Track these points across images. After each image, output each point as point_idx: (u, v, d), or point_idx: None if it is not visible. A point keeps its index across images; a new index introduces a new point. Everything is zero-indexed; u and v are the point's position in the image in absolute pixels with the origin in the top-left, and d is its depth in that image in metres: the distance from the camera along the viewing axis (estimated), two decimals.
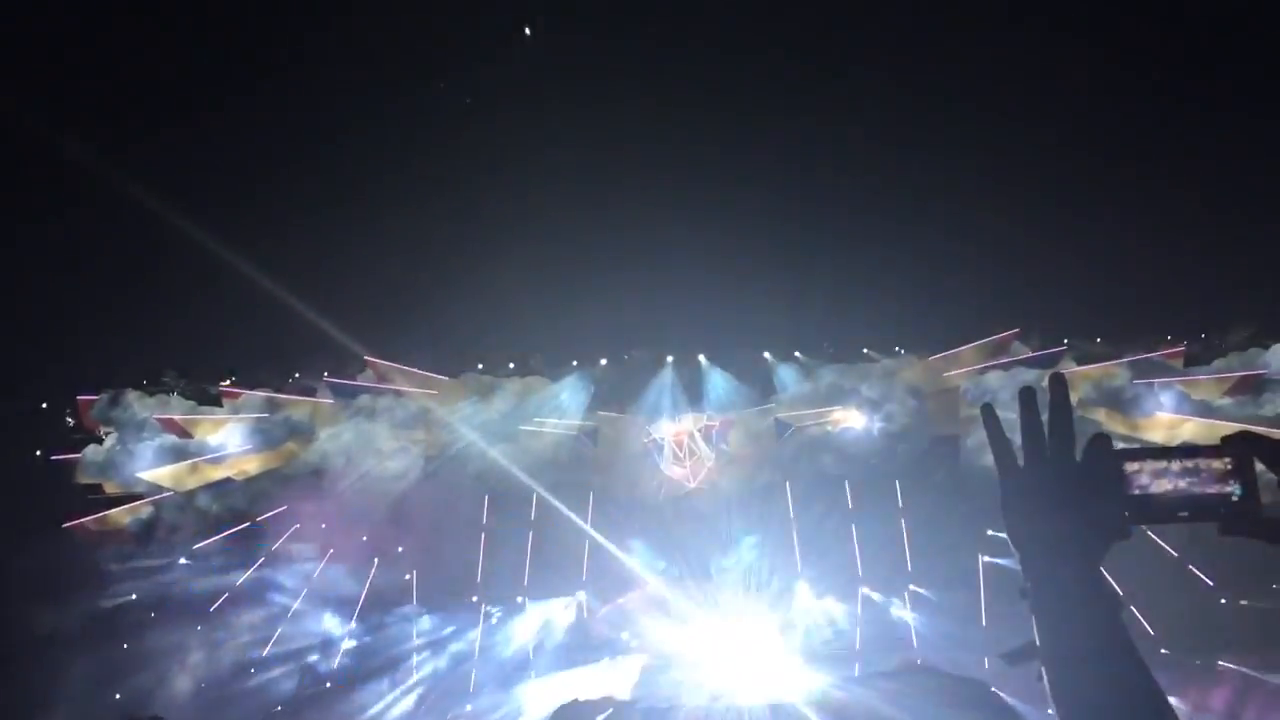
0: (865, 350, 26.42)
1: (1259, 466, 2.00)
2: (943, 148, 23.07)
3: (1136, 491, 1.98)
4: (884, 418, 25.32)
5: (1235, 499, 1.96)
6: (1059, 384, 2.15)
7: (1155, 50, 21.66)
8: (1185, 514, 1.98)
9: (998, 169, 22.90)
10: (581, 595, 26.30)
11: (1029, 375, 25.21)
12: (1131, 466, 1.99)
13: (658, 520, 26.29)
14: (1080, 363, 25.73)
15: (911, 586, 25.33)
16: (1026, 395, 2.13)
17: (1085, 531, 1.97)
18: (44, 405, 26.10)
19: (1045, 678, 1.93)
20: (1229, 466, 1.97)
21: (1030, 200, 23.62)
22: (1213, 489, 1.97)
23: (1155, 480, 1.98)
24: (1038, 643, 1.96)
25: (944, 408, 25.36)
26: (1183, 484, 1.97)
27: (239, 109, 22.70)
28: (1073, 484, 2.00)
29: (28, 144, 21.26)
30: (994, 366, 25.50)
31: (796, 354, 26.19)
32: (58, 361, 24.77)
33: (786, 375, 26.18)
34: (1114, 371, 25.37)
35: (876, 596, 25.60)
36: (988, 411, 2.18)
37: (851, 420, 25.62)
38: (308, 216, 23.76)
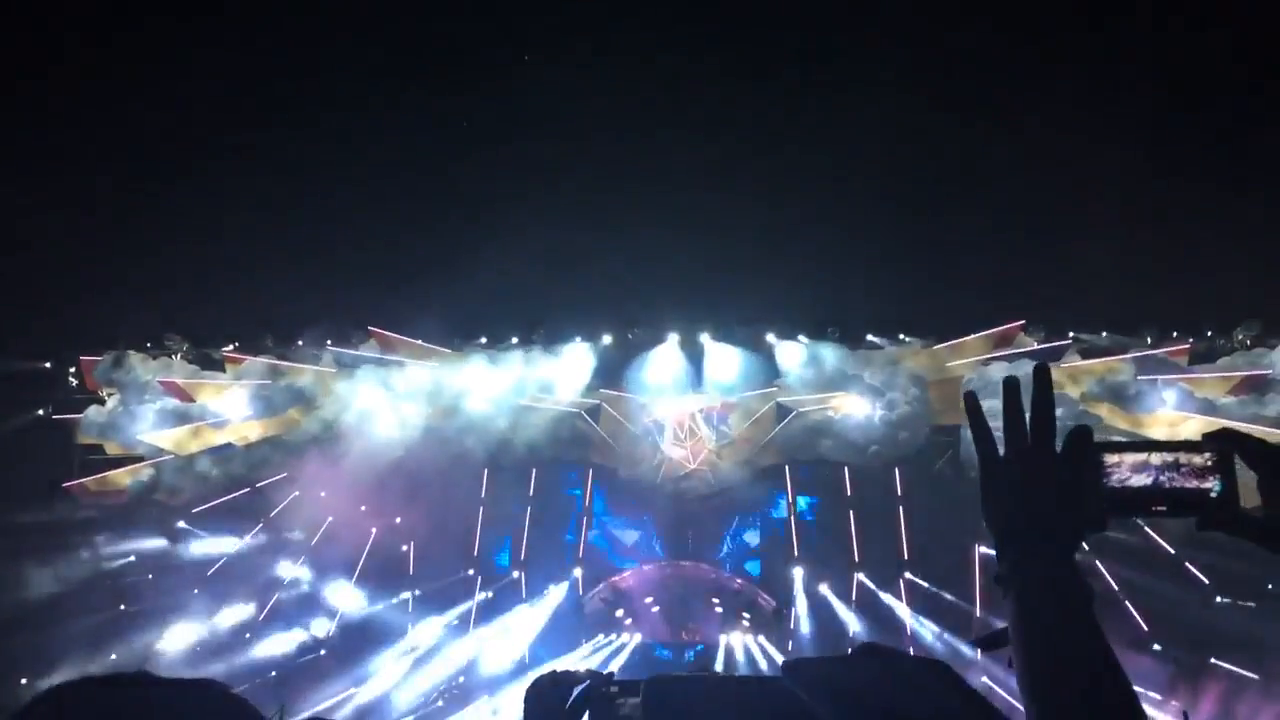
0: (869, 336, 26.36)
1: (1240, 465, 1.99)
2: (953, 135, 22.96)
3: (1115, 483, 1.98)
4: (886, 405, 25.30)
5: (1214, 495, 1.95)
6: (1043, 375, 2.13)
7: (1166, 43, 21.50)
8: (1163, 508, 1.97)
9: (1009, 159, 22.80)
10: (577, 572, 26.39)
11: (1031, 367, 25.12)
12: (1111, 459, 1.99)
13: (657, 500, 26.34)
14: (1085, 357, 25.68)
15: (907, 575, 25.40)
16: (1010, 384, 2.12)
17: (1061, 522, 1.97)
18: (47, 364, 26.11)
19: (1014, 665, 1.91)
20: (1209, 462, 1.96)
21: (1040, 192, 23.55)
22: (1192, 484, 1.96)
23: (1134, 473, 1.98)
24: (1010, 630, 1.95)
25: (946, 397, 25.34)
26: (1162, 478, 1.97)
27: (243, 68, 22.61)
28: (1051, 475, 2.00)
29: (30, 101, 21.27)
30: (998, 357, 25.44)
31: (800, 337, 26.13)
32: (61, 320, 24.79)
33: (790, 359, 26.13)
34: (1119, 367, 25.32)
35: (871, 584, 25.66)
36: (971, 399, 2.17)
37: (853, 407, 25.60)
38: (315, 183, 23.71)
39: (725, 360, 26.13)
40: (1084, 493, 1.99)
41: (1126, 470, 1.99)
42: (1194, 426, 24.64)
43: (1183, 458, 1.98)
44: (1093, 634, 1.89)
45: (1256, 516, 1.93)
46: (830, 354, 26.13)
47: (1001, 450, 2.07)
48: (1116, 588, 22.58)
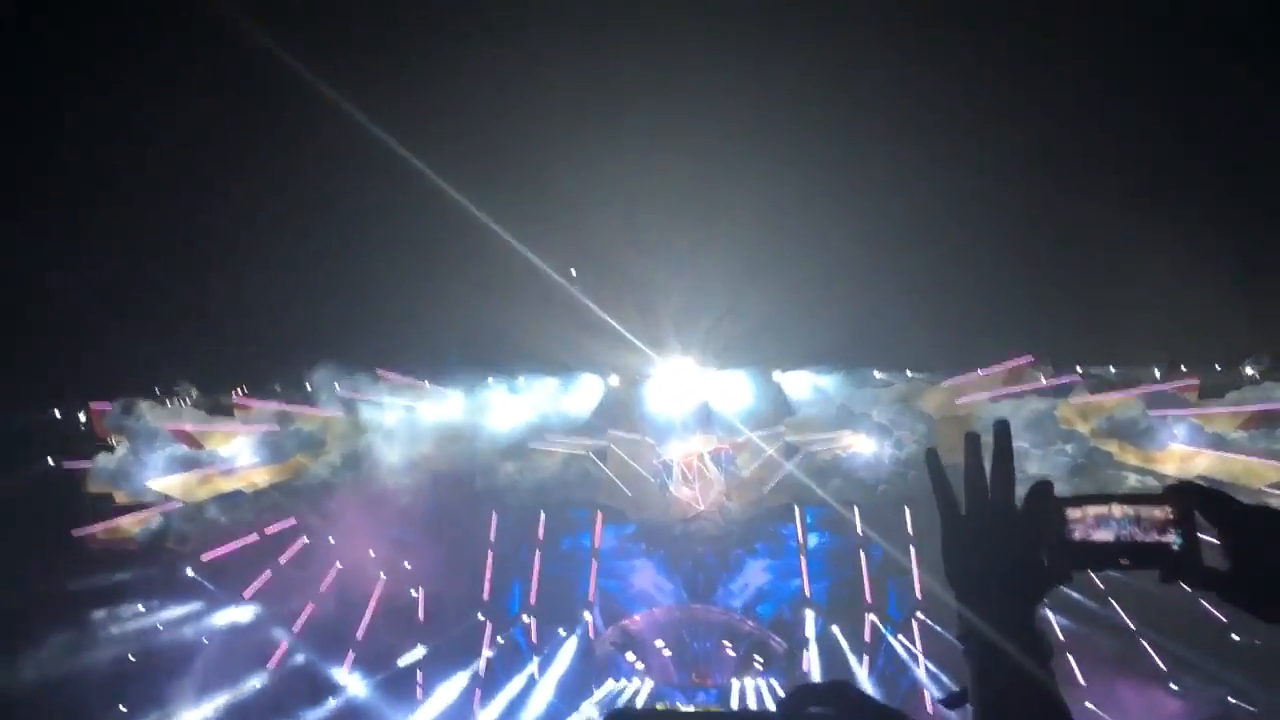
0: (876, 373, 26.33)
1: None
2: (961, 170, 23.06)
3: (1078, 538, 2.02)
4: (894, 443, 25.20)
5: (1175, 549, 2.00)
6: (1003, 431, 2.16)
7: (1182, 75, 21.62)
8: (1125, 561, 2.02)
9: (1017, 195, 22.86)
10: (587, 616, 26.20)
11: (1041, 404, 25.12)
12: (1074, 514, 2.03)
13: (667, 542, 26.21)
14: (1094, 392, 25.61)
15: (919, 615, 25.14)
16: (971, 441, 2.14)
17: (1022, 579, 2.02)
18: (56, 413, 26.16)
19: None
20: (1170, 517, 2.01)
21: (1049, 227, 23.60)
22: (1153, 538, 2.01)
23: (1097, 528, 2.02)
24: (969, 689, 2.01)
25: (955, 434, 25.19)
26: (1124, 533, 2.01)
27: (245, 109, 22.87)
28: (1012, 530, 2.04)
29: (38, 154, 21.50)
30: (1007, 394, 25.37)
31: (807, 375, 26.11)
32: (71, 368, 24.87)
33: (797, 397, 26.10)
34: (1129, 403, 25.24)
35: (884, 625, 25.42)
36: (932, 456, 2.21)
37: (861, 445, 25.51)
38: (322, 227, 23.89)
39: (733, 399, 26.09)
40: (1044, 548, 2.03)
41: (1089, 525, 2.03)
42: (1204, 462, 24.52)
43: (1144, 512, 2.02)
44: (1045, 696, 1.93)
45: (1217, 571, 1.96)
46: (838, 393, 26.10)
47: (964, 506, 2.11)
48: (1134, 626, 22.37)
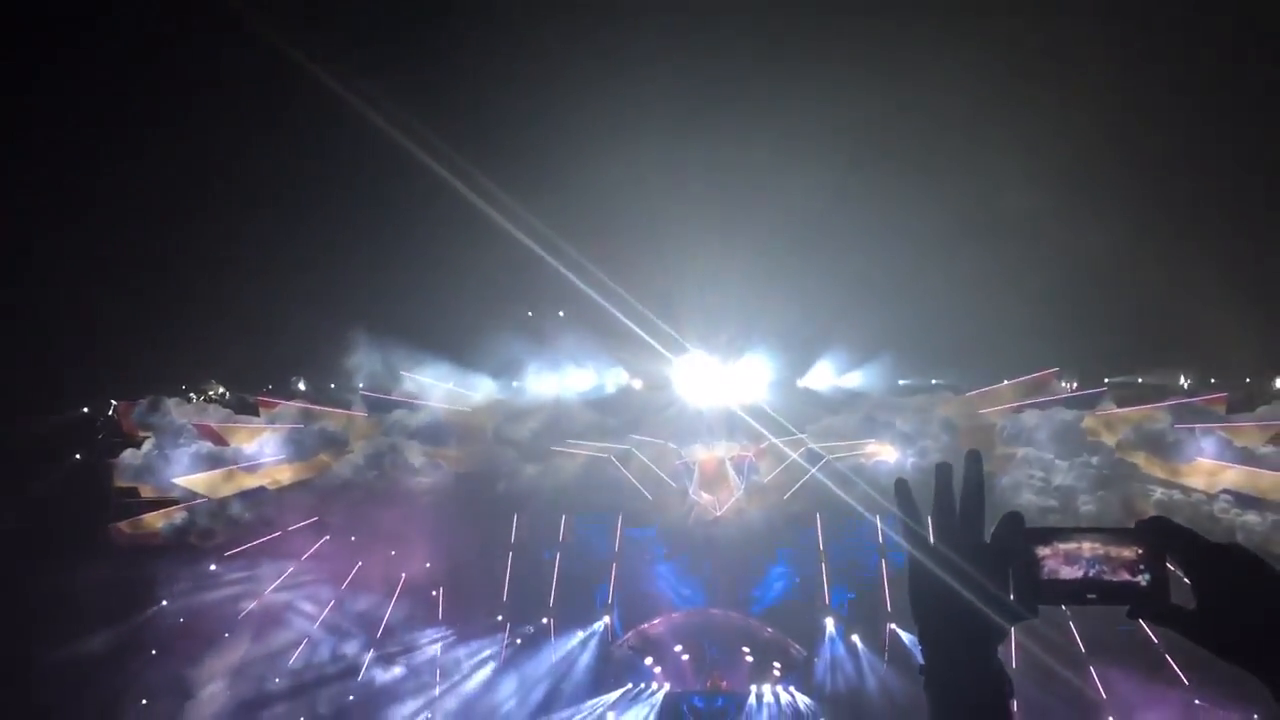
0: (901, 382, 26.24)
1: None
2: (990, 184, 22.96)
3: (1047, 574, 2.02)
4: (917, 452, 25.09)
5: (1143, 586, 2.00)
6: (974, 462, 2.14)
7: (1209, 88, 21.48)
8: (1094, 596, 2.01)
9: (1042, 208, 22.73)
10: (606, 619, 26.18)
11: (1067, 415, 24.95)
12: (1043, 551, 2.03)
13: (687, 546, 26.17)
14: (1120, 405, 25.41)
15: None
16: (943, 472, 2.12)
17: (985, 614, 2.01)
18: (85, 410, 26.48)
19: None
20: (1139, 554, 2.01)
21: (1075, 239, 23.43)
22: (1122, 576, 2.01)
23: (1066, 565, 2.02)
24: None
25: (979, 444, 25.02)
26: (1092, 571, 2.01)
27: (273, 116, 23.07)
28: (978, 564, 2.03)
29: (70, 161, 21.79)
30: (1031, 404, 25.23)
31: (832, 383, 26.05)
32: (99, 368, 25.18)
33: (821, 405, 26.04)
34: (1155, 415, 25.02)
35: (905, 635, 25.27)
36: (901, 487, 2.17)
37: (885, 453, 25.41)
38: (348, 230, 24.06)
39: (756, 405, 26.05)
40: (1012, 583, 2.02)
41: (1059, 562, 2.02)
42: (1232, 477, 24.27)
43: (1113, 550, 2.02)
44: None
45: (1182, 609, 1.94)
46: (862, 401, 26.04)
47: (932, 537, 2.08)
48: (1157, 641, 22.17)
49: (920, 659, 2.06)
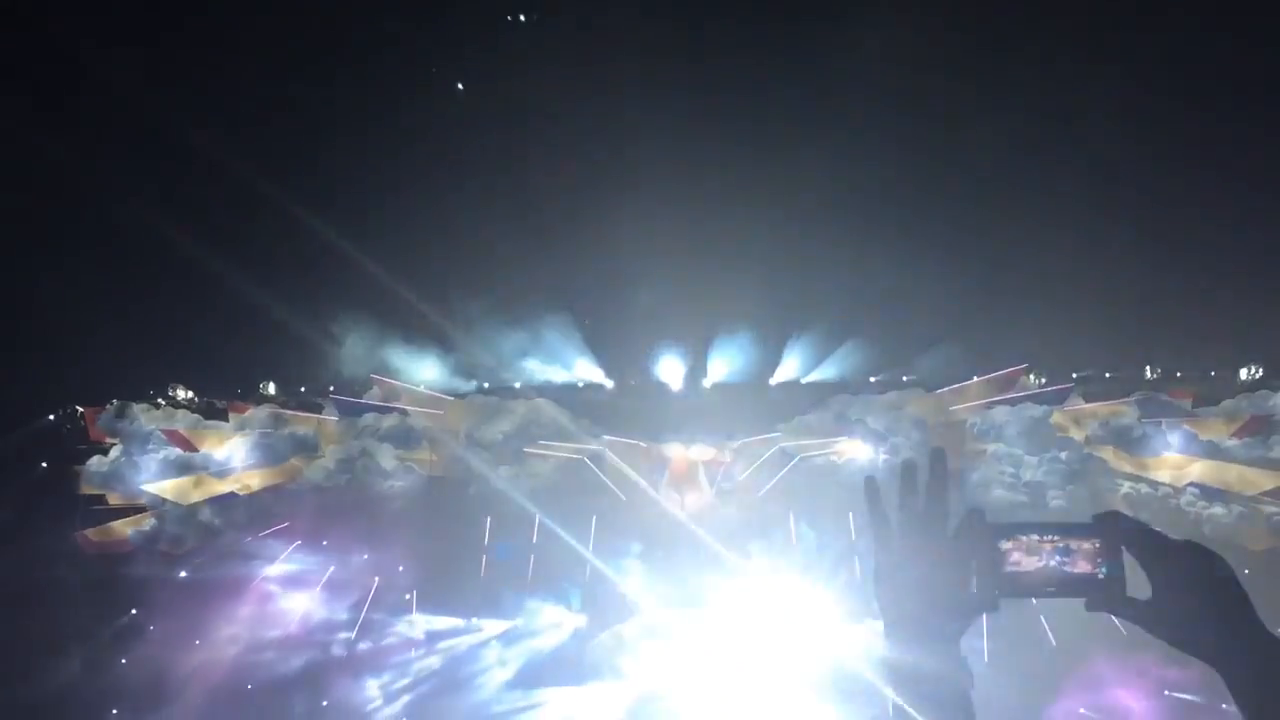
0: (872, 379, 26.38)
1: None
2: (956, 181, 23.13)
3: (1009, 568, 2.09)
4: (889, 450, 25.23)
5: (1101, 578, 2.06)
6: (939, 460, 2.20)
7: (1175, 83, 21.71)
8: (1053, 589, 2.09)
9: (1010, 204, 22.93)
10: (581, 619, 26.15)
11: (1036, 411, 25.15)
12: (1005, 544, 2.10)
13: (659, 547, 26.17)
14: (1088, 400, 25.66)
15: None
16: (907, 469, 2.17)
17: (949, 606, 2.08)
18: (50, 417, 26.14)
19: None
20: (1097, 547, 2.08)
21: (1043, 236, 23.64)
22: (1081, 568, 2.08)
23: (1027, 558, 2.09)
24: (891, 711, 2.07)
25: (949, 442, 25.24)
26: (1053, 563, 2.08)
27: (244, 114, 22.87)
28: (942, 558, 2.09)
29: (32, 159, 21.49)
30: (1001, 401, 25.42)
31: (804, 381, 26.14)
32: (65, 373, 24.87)
33: (793, 404, 26.12)
34: (1122, 410, 25.29)
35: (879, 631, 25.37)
36: (870, 485, 2.24)
37: (856, 451, 25.53)
38: (315, 233, 23.85)
39: (728, 405, 26.11)
40: (975, 576, 2.10)
41: (1020, 554, 2.10)
42: (1198, 470, 24.57)
43: (1073, 543, 2.09)
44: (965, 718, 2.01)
45: (1138, 600, 2.03)
46: (833, 399, 26.14)
47: (897, 532, 2.15)
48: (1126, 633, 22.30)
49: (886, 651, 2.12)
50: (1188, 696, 22.21)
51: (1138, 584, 2.07)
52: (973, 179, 22.94)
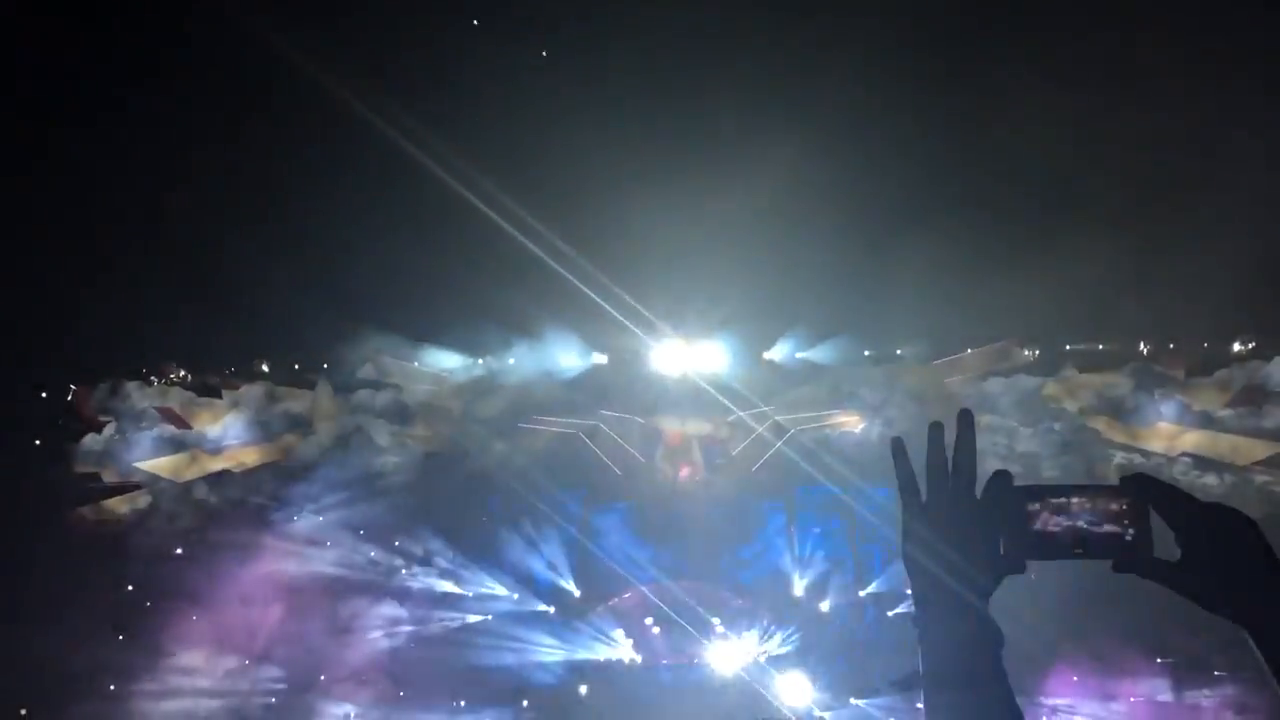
0: (866, 352, 26.40)
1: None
2: (949, 153, 23.07)
3: (1037, 528, 2.09)
4: (884, 422, 25.29)
5: (1128, 539, 2.07)
6: (966, 421, 2.19)
7: (1161, 60, 21.63)
8: (1080, 551, 2.09)
9: (1004, 176, 22.89)
10: (576, 594, 26.25)
11: (1029, 382, 25.21)
12: (1033, 506, 2.10)
13: (656, 519, 26.25)
14: (1082, 370, 25.72)
15: (908, 591, 25.12)
16: (935, 431, 2.18)
17: (977, 567, 2.07)
18: (43, 394, 26.10)
19: (923, 703, 2.04)
20: (1124, 508, 2.08)
21: (1035, 207, 23.63)
22: (1108, 529, 2.08)
23: (1054, 519, 2.09)
24: (921, 670, 2.07)
25: (943, 413, 25.16)
26: (1080, 524, 2.09)
27: (240, 94, 22.72)
28: (970, 520, 2.09)
29: (32, 139, 21.35)
30: (994, 372, 25.48)
31: (797, 355, 26.15)
32: (58, 350, 24.79)
33: (787, 377, 26.15)
34: (1116, 380, 25.36)
35: (872, 603, 25.53)
36: (897, 445, 2.22)
37: (851, 423, 25.58)
38: (311, 206, 23.76)
39: (722, 378, 26.12)
40: (1002, 537, 2.10)
41: (1047, 516, 2.10)
42: (1191, 440, 24.67)
43: (1100, 504, 2.09)
44: (996, 676, 2.01)
45: (1166, 562, 2.02)
46: (827, 372, 26.17)
47: (924, 494, 2.14)
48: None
49: (915, 614, 2.12)
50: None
51: (1162, 547, 2.08)
52: (962, 153, 22.87)
